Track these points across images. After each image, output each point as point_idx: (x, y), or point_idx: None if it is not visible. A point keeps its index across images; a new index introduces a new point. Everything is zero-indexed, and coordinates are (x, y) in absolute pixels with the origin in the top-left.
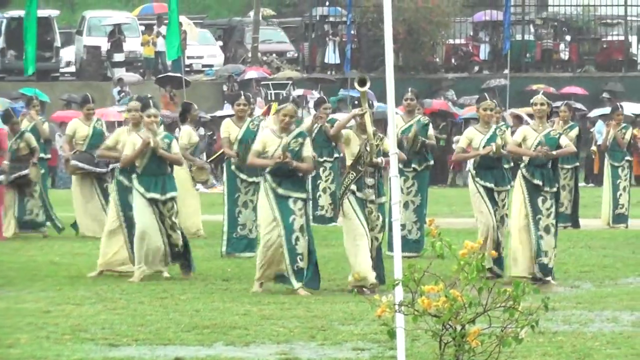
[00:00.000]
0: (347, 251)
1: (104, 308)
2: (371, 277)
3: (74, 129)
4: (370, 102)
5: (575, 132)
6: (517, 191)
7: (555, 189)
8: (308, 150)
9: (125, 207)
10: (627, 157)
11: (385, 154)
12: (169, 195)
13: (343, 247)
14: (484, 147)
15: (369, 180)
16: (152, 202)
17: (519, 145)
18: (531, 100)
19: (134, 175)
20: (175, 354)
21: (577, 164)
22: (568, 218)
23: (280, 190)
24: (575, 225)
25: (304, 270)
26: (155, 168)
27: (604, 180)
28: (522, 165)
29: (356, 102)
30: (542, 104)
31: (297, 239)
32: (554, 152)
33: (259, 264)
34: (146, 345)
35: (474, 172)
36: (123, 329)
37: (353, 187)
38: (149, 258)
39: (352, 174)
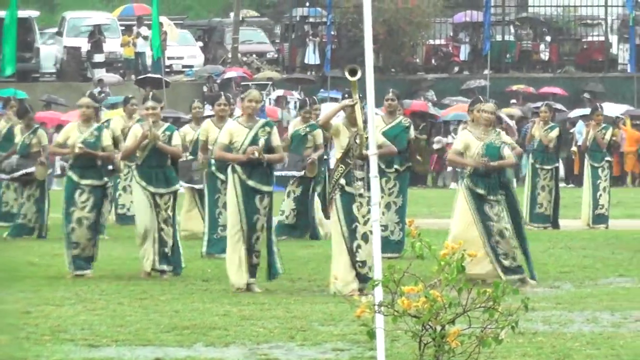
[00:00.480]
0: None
1: (83, 309)
2: (348, 283)
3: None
4: (361, 95)
5: (555, 132)
6: (461, 200)
7: (500, 196)
8: (277, 140)
9: (70, 204)
10: (607, 158)
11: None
12: (171, 188)
13: (323, 247)
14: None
15: (358, 174)
16: (151, 195)
17: (460, 154)
18: (480, 106)
19: (133, 167)
20: (154, 354)
21: (557, 164)
22: (548, 219)
23: (250, 183)
24: (555, 226)
25: (256, 267)
26: (154, 160)
27: (584, 181)
28: (465, 174)
29: (346, 95)
30: (491, 113)
31: (257, 238)
32: (494, 164)
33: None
34: (126, 346)
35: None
36: (103, 329)
37: (342, 181)
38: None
39: (341, 167)
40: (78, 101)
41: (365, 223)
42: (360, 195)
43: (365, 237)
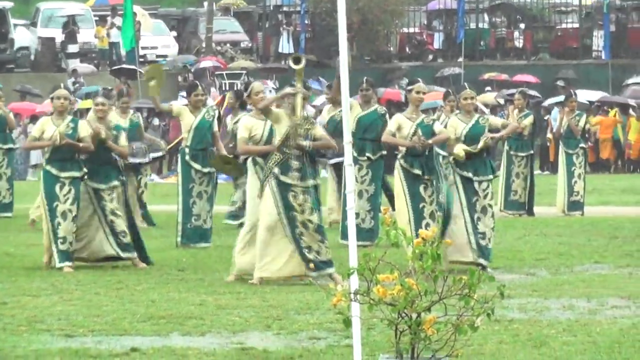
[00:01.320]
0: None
1: (60, 299)
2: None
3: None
4: (307, 83)
5: (530, 119)
6: (397, 183)
7: (434, 176)
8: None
9: (51, 198)
10: (582, 145)
11: (315, 139)
12: (111, 184)
13: None
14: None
15: (295, 163)
16: (93, 190)
17: (394, 134)
18: (410, 87)
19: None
20: (131, 344)
21: (532, 151)
22: (523, 206)
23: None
24: (530, 213)
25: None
26: (97, 157)
27: (558, 168)
28: (399, 155)
29: (292, 82)
30: (424, 93)
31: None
32: (430, 141)
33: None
34: (102, 336)
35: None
36: (79, 319)
37: (276, 170)
38: (92, 249)
39: (277, 155)
40: (54, 93)
41: (303, 212)
42: (295, 185)
43: (306, 226)
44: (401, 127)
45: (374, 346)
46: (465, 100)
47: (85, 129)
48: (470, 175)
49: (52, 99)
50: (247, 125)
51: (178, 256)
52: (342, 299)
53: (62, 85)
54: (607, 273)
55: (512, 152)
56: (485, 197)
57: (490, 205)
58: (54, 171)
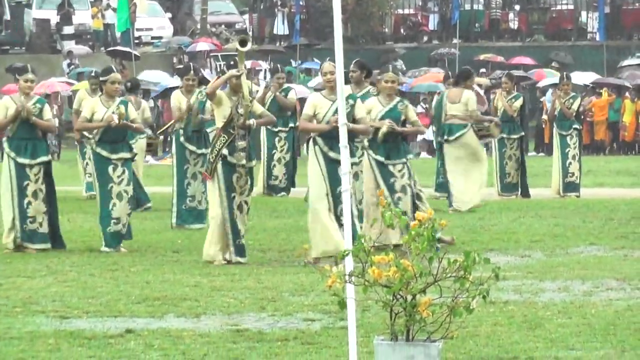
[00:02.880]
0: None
1: (54, 281)
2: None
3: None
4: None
5: (519, 101)
6: (367, 169)
7: (403, 160)
8: (361, 112)
9: (105, 180)
10: (575, 126)
11: (255, 117)
12: (38, 159)
13: (293, 218)
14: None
15: (240, 143)
16: (21, 166)
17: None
18: (381, 77)
19: (4, 139)
20: (126, 325)
21: (523, 133)
22: (516, 187)
23: (332, 154)
24: (526, 194)
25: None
26: (25, 132)
27: (553, 150)
28: (365, 143)
29: (231, 64)
30: (392, 82)
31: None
32: (399, 129)
33: (312, 236)
34: (97, 317)
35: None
36: (74, 301)
37: (225, 151)
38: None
39: (223, 136)
40: (107, 76)
41: (242, 193)
42: (242, 165)
43: (241, 207)
44: (371, 110)
45: (369, 328)
46: (386, 83)
47: (133, 110)
48: (382, 159)
49: (105, 82)
50: (314, 103)
51: (173, 237)
52: (337, 281)
53: (114, 67)
54: (602, 255)
55: (504, 135)
56: (402, 177)
57: (410, 185)
58: (104, 153)
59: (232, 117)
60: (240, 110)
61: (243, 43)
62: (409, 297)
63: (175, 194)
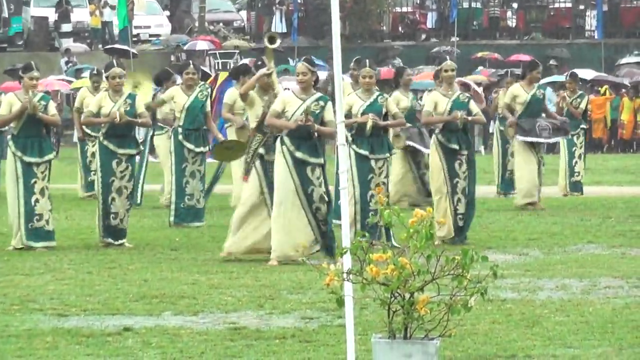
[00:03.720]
0: (236, 217)
1: (52, 278)
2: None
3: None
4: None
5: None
6: (434, 158)
7: (468, 152)
8: (330, 115)
9: (107, 173)
10: (582, 125)
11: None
12: (46, 157)
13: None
14: (361, 114)
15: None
16: (28, 165)
17: (431, 114)
18: (441, 66)
19: (9, 137)
20: (124, 323)
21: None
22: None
23: (298, 154)
24: None
25: (326, 234)
26: (31, 131)
27: (560, 150)
28: (436, 131)
29: (259, 63)
30: (452, 70)
31: (317, 209)
32: (469, 118)
33: (274, 232)
34: (95, 315)
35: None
36: (72, 299)
37: (261, 150)
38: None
39: (258, 136)
40: (108, 72)
41: None
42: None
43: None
44: (437, 104)
45: (367, 326)
46: (364, 78)
47: (141, 104)
48: (367, 153)
49: (107, 77)
50: (285, 100)
51: (171, 235)
52: (335, 279)
53: (114, 62)
54: (600, 253)
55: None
56: (380, 174)
57: (384, 183)
58: (111, 147)
59: (265, 116)
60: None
61: (272, 40)
62: (407, 295)
63: (173, 192)
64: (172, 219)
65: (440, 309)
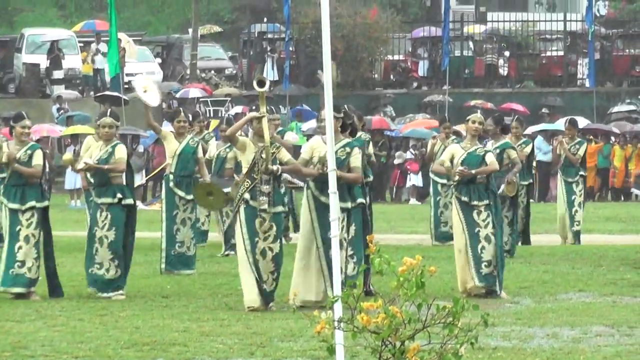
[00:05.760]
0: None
1: (43, 325)
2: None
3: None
4: (270, 107)
5: (529, 147)
6: (453, 211)
7: (486, 202)
8: (356, 161)
9: (93, 223)
10: (581, 173)
11: (281, 163)
12: (28, 204)
13: (283, 263)
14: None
15: (265, 188)
16: (14, 212)
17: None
18: (468, 117)
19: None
20: None
21: (531, 180)
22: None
23: (323, 199)
24: (526, 241)
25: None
26: (16, 179)
27: (558, 198)
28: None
29: (254, 107)
30: (479, 123)
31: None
32: (473, 171)
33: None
34: None
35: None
36: (63, 345)
37: (247, 195)
38: None
39: (247, 182)
40: (100, 120)
41: (265, 239)
42: (264, 210)
43: (264, 253)
44: (454, 156)
45: None
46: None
47: (121, 151)
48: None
49: (97, 126)
50: (313, 147)
51: (162, 283)
52: (326, 327)
53: (107, 112)
54: (591, 301)
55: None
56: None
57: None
58: (94, 196)
59: (256, 162)
60: (263, 155)
61: (261, 84)
62: (398, 344)
63: (164, 239)
64: (163, 266)
65: (431, 357)
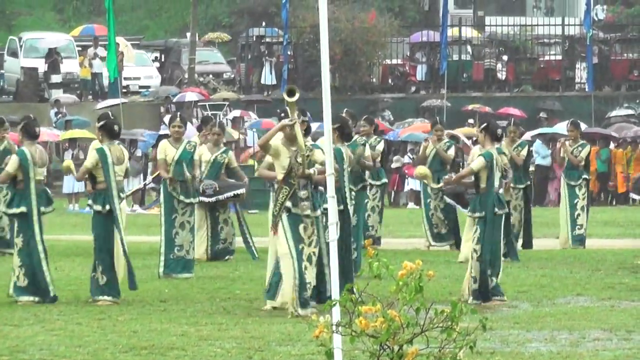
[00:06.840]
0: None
1: (41, 329)
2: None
3: (164, 151)
4: (300, 112)
5: (526, 150)
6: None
7: (478, 215)
8: (319, 158)
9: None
10: (584, 176)
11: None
12: (10, 211)
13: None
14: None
15: (303, 193)
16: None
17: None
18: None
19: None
20: None
21: (529, 183)
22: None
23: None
24: (528, 246)
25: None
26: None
27: (560, 201)
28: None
29: (282, 115)
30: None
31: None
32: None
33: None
34: None
35: None
36: (61, 350)
37: (288, 203)
38: None
39: (285, 188)
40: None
41: (310, 244)
42: (307, 216)
43: (310, 259)
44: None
45: None
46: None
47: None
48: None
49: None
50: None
51: (160, 287)
52: (324, 331)
53: (109, 114)
54: (589, 305)
55: (510, 185)
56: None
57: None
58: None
59: (292, 168)
60: (299, 160)
61: (291, 93)
62: (396, 348)
63: (163, 243)
64: (161, 270)
65: None
